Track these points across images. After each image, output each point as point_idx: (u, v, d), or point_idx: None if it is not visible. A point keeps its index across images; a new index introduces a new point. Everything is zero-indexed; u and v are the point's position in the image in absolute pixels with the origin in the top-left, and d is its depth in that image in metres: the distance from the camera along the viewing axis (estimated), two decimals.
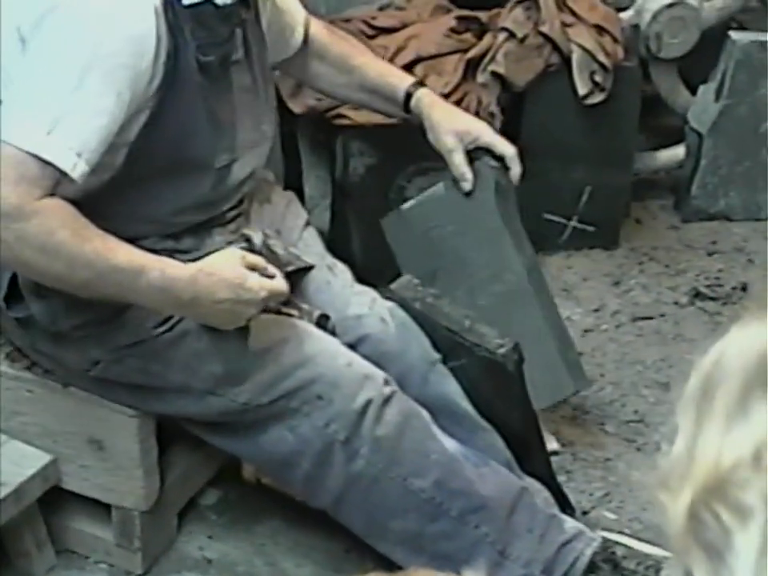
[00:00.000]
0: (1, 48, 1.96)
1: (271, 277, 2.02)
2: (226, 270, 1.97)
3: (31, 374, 2.26)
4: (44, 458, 2.27)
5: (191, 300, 1.95)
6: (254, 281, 1.98)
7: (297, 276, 2.21)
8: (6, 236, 1.83)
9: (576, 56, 3.17)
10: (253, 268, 1.99)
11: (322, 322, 2.18)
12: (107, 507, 2.32)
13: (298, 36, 2.46)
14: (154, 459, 2.27)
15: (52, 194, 1.86)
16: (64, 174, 1.85)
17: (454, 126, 2.42)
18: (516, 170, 2.44)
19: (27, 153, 1.83)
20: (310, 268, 2.26)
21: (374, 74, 2.49)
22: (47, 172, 1.85)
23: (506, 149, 2.43)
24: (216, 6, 2.03)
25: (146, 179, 2.05)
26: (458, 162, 2.42)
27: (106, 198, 2.01)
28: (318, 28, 2.52)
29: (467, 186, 2.43)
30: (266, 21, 2.29)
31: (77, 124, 1.86)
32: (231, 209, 2.24)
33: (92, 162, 1.88)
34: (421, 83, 2.52)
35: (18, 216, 1.82)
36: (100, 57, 1.87)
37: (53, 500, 2.32)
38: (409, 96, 2.45)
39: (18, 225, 1.82)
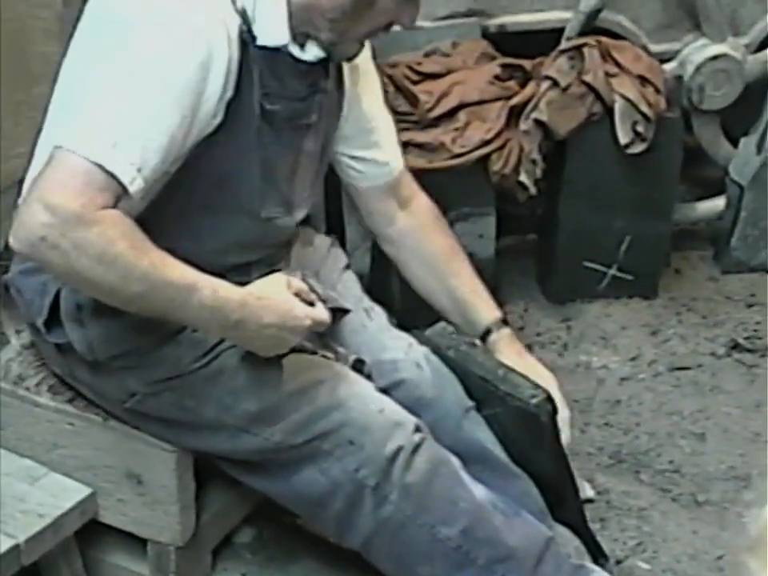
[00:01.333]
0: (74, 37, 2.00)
1: (312, 304, 2.04)
2: (274, 295, 1.99)
3: (72, 407, 2.28)
4: (83, 492, 2.29)
5: (238, 322, 1.95)
6: (301, 309, 2.01)
7: (335, 317, 2.21)
8: (63, 243, 1.79)
9: (618, 106, 3.18)
10: (297, 294, 2.02)
11: (358, 366, 2.20)
12: (143, 542, 2.34)
13: (386, 166, 2.43)
14: (191, 495, 2.29)
15: (113, 207, 1.85)
16: (123, 187, 1.84)
17: (523, 370, 2.34)
18: (566, 433, 2.35)
19: (93, 163, 1.81)
20: (347, 311, 2.27)
21: (467, 289, 2.46)
22: (111, 184, 1.83)
23: (563, 411, 2.36)
24: (294, 58, 2.05)
25: (186, 213, 2.06)
26: None
27: (151, 230, 1.97)
28: (426, 208, 2.49)
29: None
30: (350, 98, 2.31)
31: (141, 140, 1.85)
32: (274, 253, 2.26)
33: (149, 180, 1.88)
34: (504, 321, 2.47)
35: (79, 223, 1.79)
36: (172, 78, 1.88)
37: (90, 533, 2.33)
38: (488, 332, 2.44)
39: (78, 232, 1.79)
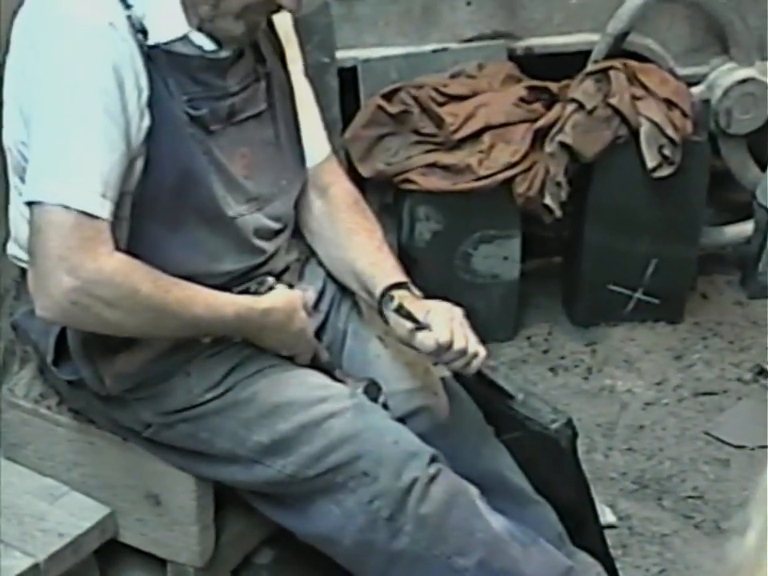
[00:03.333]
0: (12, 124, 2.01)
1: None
2: (292, 303, 2.12)
3: (93, 427, 2.28)
4: (102, 511, 2.29)
5: (260, 330, 2.09)
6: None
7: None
8: (92, 302, 1.86)
9: (644, 129, 3.18)
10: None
11: (371, 393, 2.19)
12: (162, 562, 2.33)
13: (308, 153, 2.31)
14: (210, 516, 2.29)
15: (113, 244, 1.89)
16: (101, 218, 1.87)
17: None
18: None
19: (73, 212, 1.84)
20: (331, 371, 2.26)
21: (365, 261, 2.25)
22: (99, 225, 1.87)
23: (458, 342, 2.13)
24: (211, 59, 2.04)
25: (161, 230, 2.04)
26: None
27: (143, 256, 1.98)
28: (343, 194, 2.34)
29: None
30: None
31: (94, 167, 1.87)
32: (271, 260, 2.21)
33: (114, 199, 1.90)
34: (403, 285, 2.22)
35: (102, 279, 1.85)
36: (90, 95, 1.88)
37: (109, 553, 2.34)
38: (382, 299, 2.19)
39: (104, 289, 1.85)
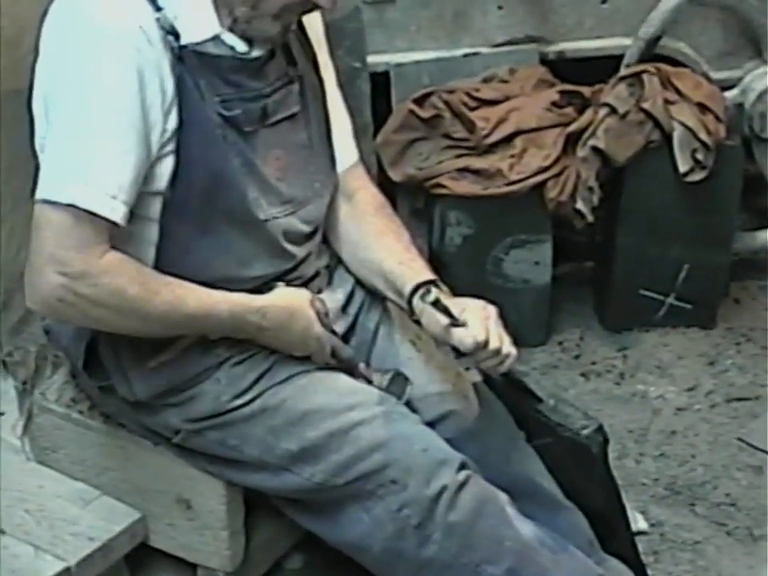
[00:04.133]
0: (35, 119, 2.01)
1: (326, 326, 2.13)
2: (294, 302, 2.10)
3: (124, 431, 2.29)
4: (133, 515, 2.30)
5: (260, 329, 2.08)
6: (319, 327, 2.12)
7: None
8: (78, 300, 1.89)
9: (677, 133, 3.16)
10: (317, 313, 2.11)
11: (397, 385, 2.18)
12: (192, 566, 2.34)
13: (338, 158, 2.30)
14: (241, 521, 2.29)
15: (112, 247, 1.91)
16: (108, 220, 1.89)
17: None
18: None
19: (73, 209, 1.86)
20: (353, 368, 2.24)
21: (393, 261, 2.23)
22: (99, 227, 1.89)
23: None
24: (242, 59, 2.03)
25: (191, 232, 2.04)
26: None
27: (173, 258, 2.02)
28: (369, 198, 2.33)
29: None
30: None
31: (109, 168, 1.89)
32: (301, 265, 2.21)
33: (129, 202, 1.92)
34: (432, 282, 2.19)
35: (88, 278, 1.88)
36: (108, 99, 1.89)
37: (139, 557, 2.34)
38: (412, 297, 2.18)
39: (89, 288, 1.88)
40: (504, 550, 2.09)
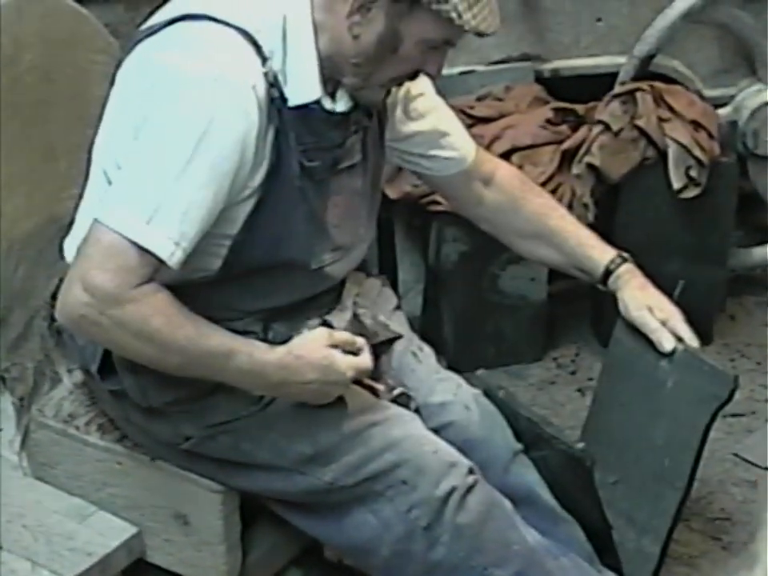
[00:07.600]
0: (118, 137, 2.00)
1: (356, 353, 2.06)
2: (313, 351, 2.01)
3: (121, 447, 2.30)
4: (130, 530, 2.30)
5: (280, 382, 2.01)
6: (341, 362, 2.03)
7: (384, 346, 2.24)
8: (103, 320, 1.87)
9: (671, 150, 3.17)
10: (337, 345, 2.04)
11: (401, 401, 2.20)
12: None
13: (457, 158, 2.42)
14: (237, 536, 2.29)
15: (150, 280, 1.89)
16: (161, 261, 1.88)
17: (645, 302, 2.40)
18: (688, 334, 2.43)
19: (128, 241, 1.85)
20: (397, 338, 2.29)
21: (574, 242, 2.46)
22: (145, 260, 1.87)
23: (693, 340, 2.42)
24: (327, 111, 2.05)
25: (244, 275, 2.07)
26: (654, 327, 2.40)
27: (205, 289, 2.04)
28: (509, 178, 2.50)
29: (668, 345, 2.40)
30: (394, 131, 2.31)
31: (176, 214, 1.88)
32: (325, 294, 2.25)
33: (188, 250, 1.91)
34: (621, 257, 2.46)
35: (115, 303, 1.86)
36: (204, 150, 1.88)
37: (136, 572, 2.34)
38: (608, 273, 2.44)
39: (115, 311, 1.87)
40: (512, 553, 2.11)
